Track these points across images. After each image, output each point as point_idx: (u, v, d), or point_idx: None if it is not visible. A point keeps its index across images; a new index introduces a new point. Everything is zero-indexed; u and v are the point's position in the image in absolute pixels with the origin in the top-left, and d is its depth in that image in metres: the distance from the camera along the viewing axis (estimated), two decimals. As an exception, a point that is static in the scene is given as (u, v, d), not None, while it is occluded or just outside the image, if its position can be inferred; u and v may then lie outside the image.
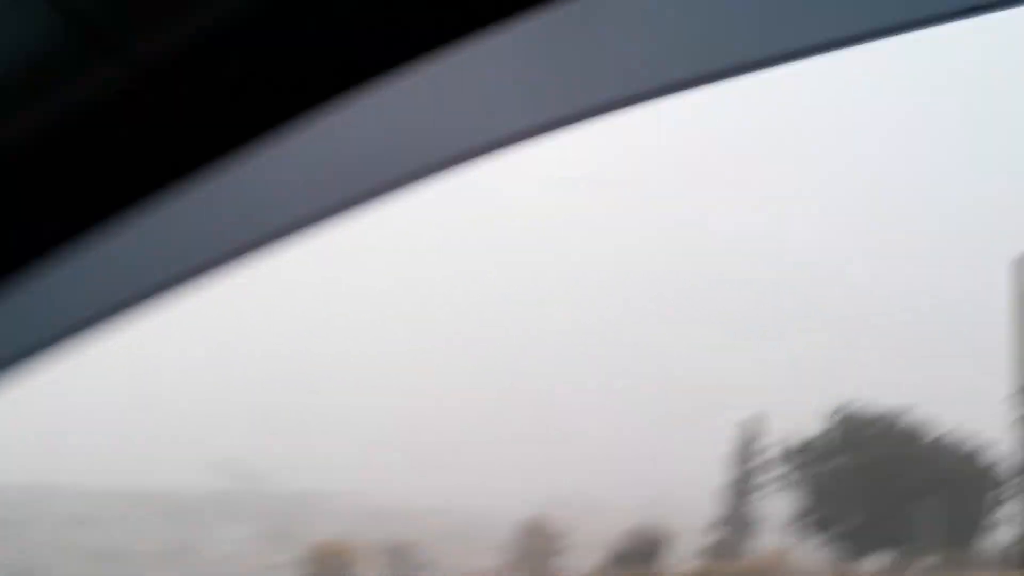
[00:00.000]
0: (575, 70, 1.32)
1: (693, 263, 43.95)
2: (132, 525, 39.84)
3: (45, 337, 1.48)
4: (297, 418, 42.23)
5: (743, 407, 41.82)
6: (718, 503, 42.22)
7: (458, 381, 43.80)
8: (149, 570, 36.47)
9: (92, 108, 1.21)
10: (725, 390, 42.49)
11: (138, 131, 1.25)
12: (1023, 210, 44.47)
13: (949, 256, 44.34)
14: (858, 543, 41.55)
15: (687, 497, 41.09)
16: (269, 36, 1.21)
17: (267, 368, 43.18)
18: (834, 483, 41.68)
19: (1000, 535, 39.05)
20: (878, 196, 44.77)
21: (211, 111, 1.25)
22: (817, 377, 43.21)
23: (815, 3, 1.32)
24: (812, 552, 40.89)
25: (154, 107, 1.23)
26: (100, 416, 40.05)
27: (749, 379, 43.82)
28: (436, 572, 39.36)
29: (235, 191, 1.35)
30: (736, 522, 42.33)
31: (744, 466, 42.69)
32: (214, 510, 41.71)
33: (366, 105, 1.25)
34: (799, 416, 41.48)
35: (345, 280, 43.68)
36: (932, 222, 44.87)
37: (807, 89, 38.16)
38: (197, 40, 1.18)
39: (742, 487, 42.62)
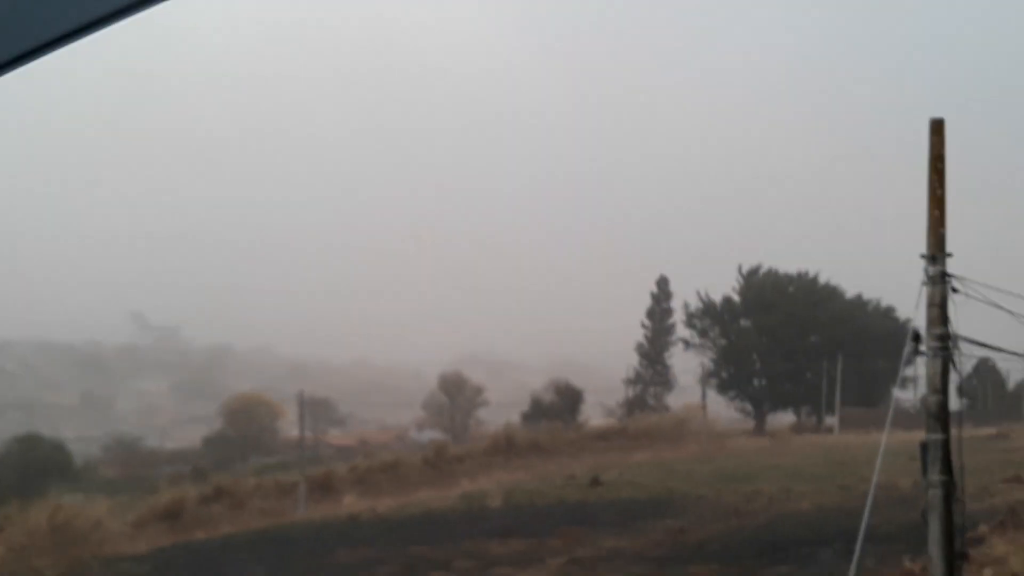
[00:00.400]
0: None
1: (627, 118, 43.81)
2: (45, 377, 39.60)
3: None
4: (215, 272, 41.91)
5: (657, 267, 42.08)
6: (632, 361, 42.70)
7: (377, 235, 43.56)
8: (63, 422, 36.30)
9: None
10: (639, 250, 42.68)
11: None
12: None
13: (865, 119, 44.37)
14: (767, 401, 42.35)
15: (601, 355, 41.50)
16: None
17: (185, 222, 42.68)
18: (744, 343, 42.21)
19: (905, 394, 39.86)
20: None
21: None
22: (728, 240, 43.49)
23: None
24: (723, 409, 41.55)
25: None
26: (12, 264, 39.48)
27: (662, 240, 44.01)
28: (351, 426, 39.63)
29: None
30: (649, 379, 42.88)
31: (657, 324, 43.12)
32: (129, 363, 41.53)
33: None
34: (711, 277, 41.82)
35: (265, 131, 43.04)
36: (854, 84, 44.87)
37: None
38: None
39: (655, 345, 43.10)
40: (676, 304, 42.94)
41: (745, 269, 42.94)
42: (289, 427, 37.33)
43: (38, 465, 31.26)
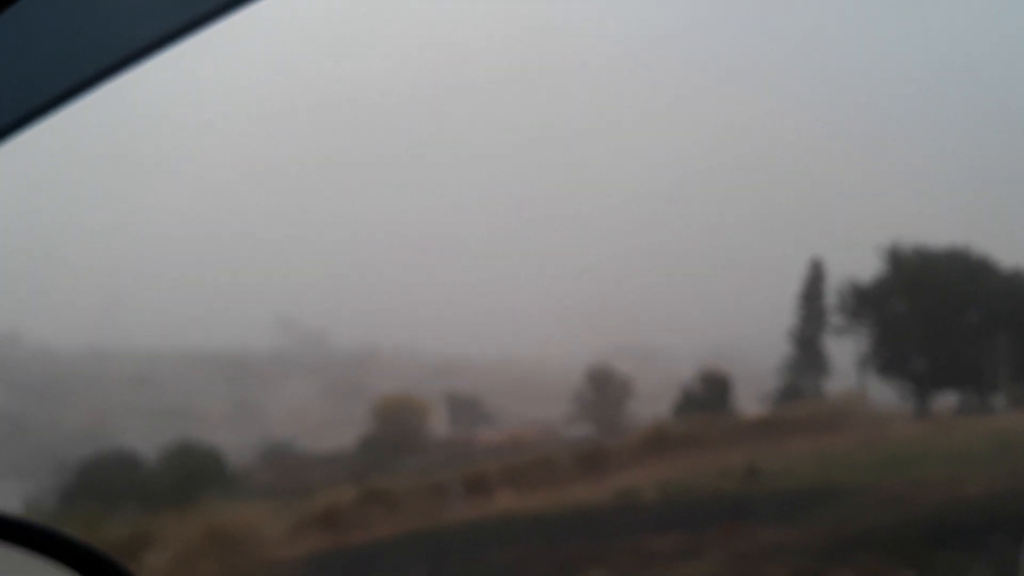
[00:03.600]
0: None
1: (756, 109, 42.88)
2: (192, 386, 40.33)
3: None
4: (358, 274, 42.16)
5: (805, 251, 41.15)
6: (784, 348, 41.85)
7: (519, 229, 43.37)
8: (212, 431, 36.92)
9: None
10: (785, 234, 41.73)
11: None
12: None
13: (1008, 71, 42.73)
14: (927, 384, 41.12)
15: (752, 343, 40.72)
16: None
17: (324, 224, 43.02)
18: (899, 324, 41.13)
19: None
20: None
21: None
22: (874, 219, 42.29)
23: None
24: (880, 395, 40.54)
25: None
26: (157, 276, 40.26)
27: (804, 222, 43.03)
28: (500, 423, 39.53)
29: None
30: (803, 367, 42.00)
31: (809, 310, 42.23)
32: (275, 369, 42.08)
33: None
34: (859, 259, 40.78)
35: (403, 129, 43.16)
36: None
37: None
38: None
39: (807, 331, 42.22)
40: (829, 287, 41.99)
41: (893, 247, 41.84)
42: (438, 426, 37.44)
43: (192, 473, 31.75)
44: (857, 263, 40.99)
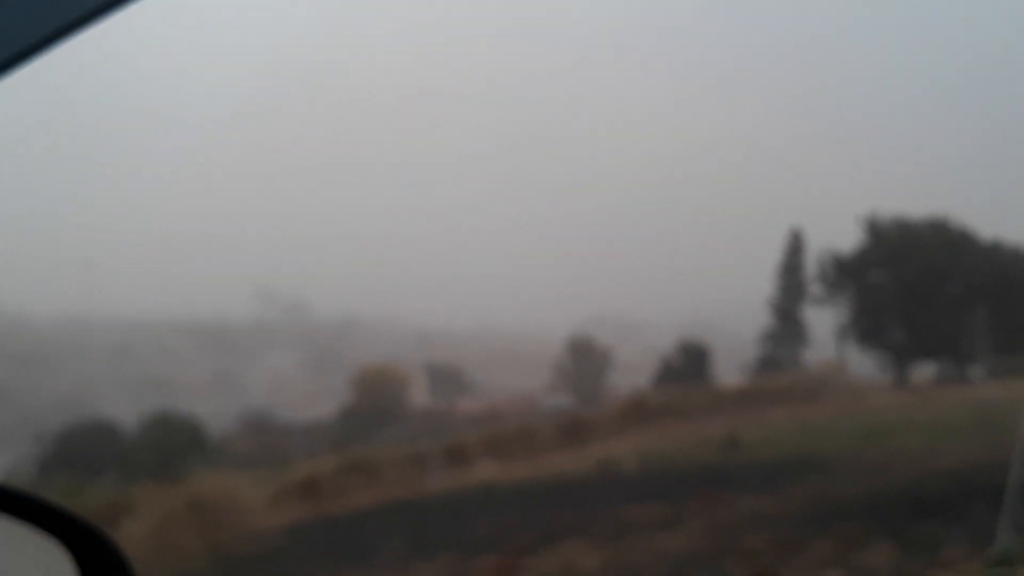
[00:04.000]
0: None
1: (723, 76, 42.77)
2: (173, 356, 40.17)
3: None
4: (338, 244, 42.00)
5: (782, 221, 41.18)
6: (763, 319, 41.92)
7: (499, 200, 43.24)
8: (192, 400, 36.80)
9: None
10: (763, 204, 41.71)
11: None
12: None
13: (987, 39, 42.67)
14: (906, 355, 41.24)
15: (731, 314, 40.77)
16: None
17: (304, 194, 42.81)
18: (878, 295, 41.22)
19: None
20: None
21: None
22: (852, 188, 42.31)
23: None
24: (859, 366, 40.65)
25: None
26: (138, 246, 39.99)
27: (786, 192, 42.97)
28: (480, 393, 39.53)
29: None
30: (782, 338, 42.09)
31: (788, 280, 42.27)
32: (256, 339, 41.94)
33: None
34: (838, 228, 40.84)
35: (392, 99, 42.93)
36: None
37: None
38: None
39: (787, 302, 42.28)
40: (809, 258, 42.00)
41: (872, 217, 41.85)
42: (418, 397, 37.44)
43: (173, 443, 31.69)
44: (837, 234, 41.09)
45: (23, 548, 2.26)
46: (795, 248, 42.19)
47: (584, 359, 40.96)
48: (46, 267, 39.22)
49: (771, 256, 41.45)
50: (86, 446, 31.38)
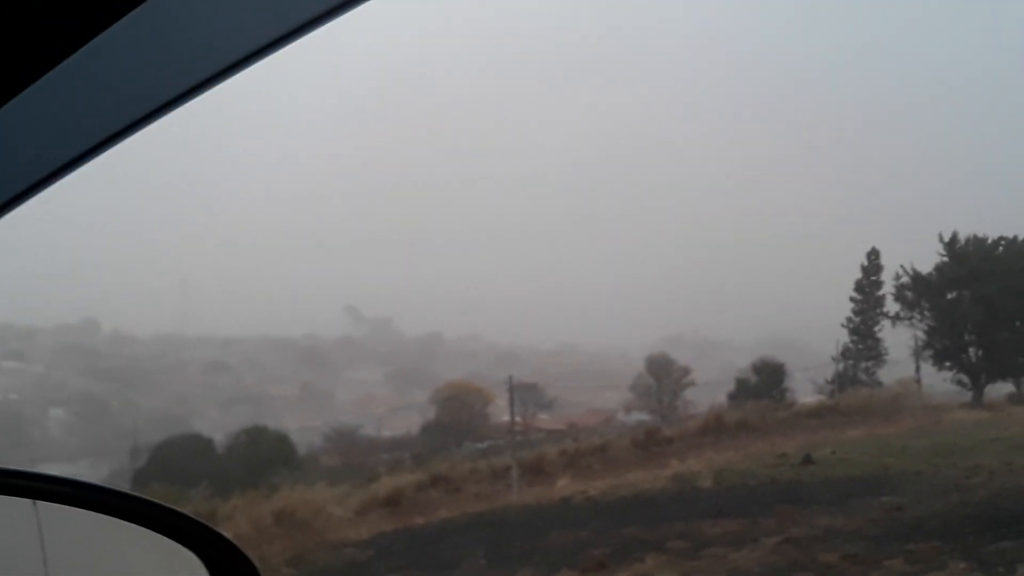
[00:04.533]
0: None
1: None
2: (265, 371, 41.19)
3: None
4: (423, 263, 42.83)
5: (862, 242, 41.19)
6: (840, 337, 41.90)
7: (579, 220, 43.81)
8: (285, 413, 37.70)
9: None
10: (840, 226, 41.82)
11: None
12: None
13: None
14: (984, 372, 40.92)
15: (809, 331, 40.84)
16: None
17: (391, 216, 43.72)
18: (956, 313, 40.94)
19: None
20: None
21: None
22: (931, 211, 42.20)
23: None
24: (936, 384, 40.41)
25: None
26: (230, 263, 41.15)
27: (864, 214, 43.00)
28: (561, 410, 40.00)
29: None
30: (860, 354, 41.96)
31: (867, 298, 42.15)
32: (345, 355, 42.84)
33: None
34: (916, 250, 40.72)
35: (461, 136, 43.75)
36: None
37: None
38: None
39: (865, 320, 42.15)
40: (887, 276, 41.90)
41: (947, 237, 41.65)
42: (499, 413, 37.94)
43: (263, 456, 32.54)
44: (915, 254, 41.01)
45: (162, 558, 2.38)
46: (873, 267, 42.08)
47: (662, 376, 41.24)
48: (143, 286, 40.55)
49: (849, 275, 41.54)
50: (180, 459, 32.25)
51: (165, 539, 2.41)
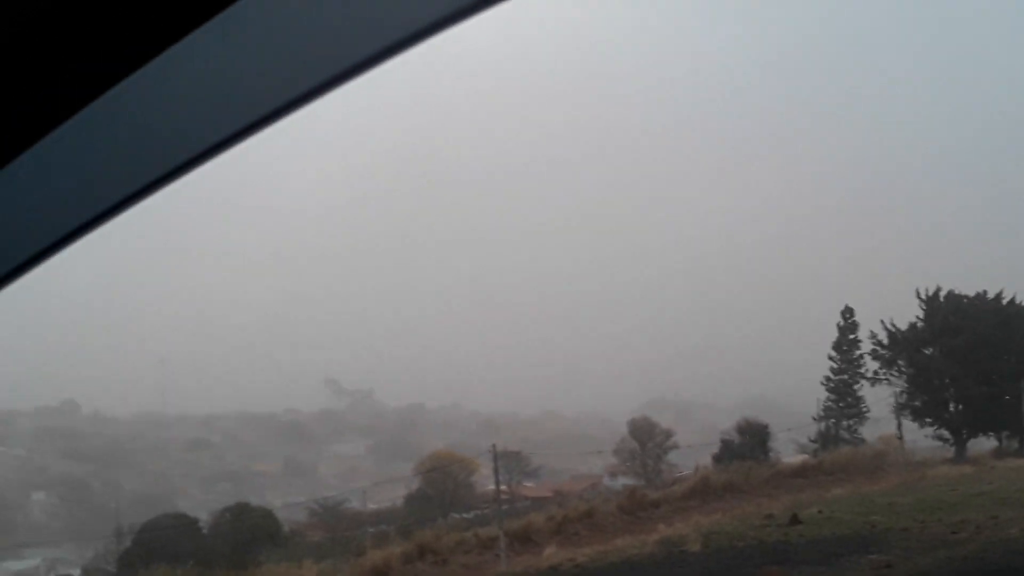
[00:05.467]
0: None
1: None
2: (249, 447, 41.05)
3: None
4: (402, 335, 42.91)
5: (835, 300, 41.52)
6: (822, 395, 42.09)
7: (557, 290, 44.06)
8: (269, 489, 37.58)
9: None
10: (815, 285, 42.20)
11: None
12: None
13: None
14: (965, 427, 41.13)
15: (789, 391, 41.03)
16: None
17: (367, 289, 43.85)
18: (935, 369, 41.19)
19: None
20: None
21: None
22: (904, 267, 42.65)
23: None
24: (918, 440, 40.59)
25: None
26: (208, 341, 41.16)
27: (838, 273, 43.42)
28: (546, 477, 40.00)
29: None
30: (841, 413, 42.12)
31: (845, 356, 42.39)
32: (327, 428, 42.77)
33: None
34: (892, 306, 41.06)
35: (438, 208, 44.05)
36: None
37: None
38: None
39: (844, 378, 42.34)
40: (863, 335, 42.19)
41: (924, 294, 42.00)
42: (484, 481, 37.90)
43: (248, 532, 32.40)
44: (889, 312, 41.35)
45: None
46: (849, 326, 42.31)
47: (646, 440, 41.25)
48: (121, 366, 40.42)
49: (826, 334, 41.80)
50: (164, 539, 32.06)
51: None
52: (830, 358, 42.30)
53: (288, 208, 42.62)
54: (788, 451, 39.65)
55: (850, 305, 42.08)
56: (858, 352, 42.34)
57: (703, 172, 44.49)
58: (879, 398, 41.12)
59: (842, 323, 42.28)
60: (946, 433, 41.32)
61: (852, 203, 43.51)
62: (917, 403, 41.31)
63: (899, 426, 39.56)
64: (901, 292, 41.36)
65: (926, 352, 41.70)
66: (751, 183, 43.77)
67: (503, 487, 35.63)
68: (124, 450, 38.79)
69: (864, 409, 42.13)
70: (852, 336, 42.30)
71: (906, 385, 41.54)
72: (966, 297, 41.68)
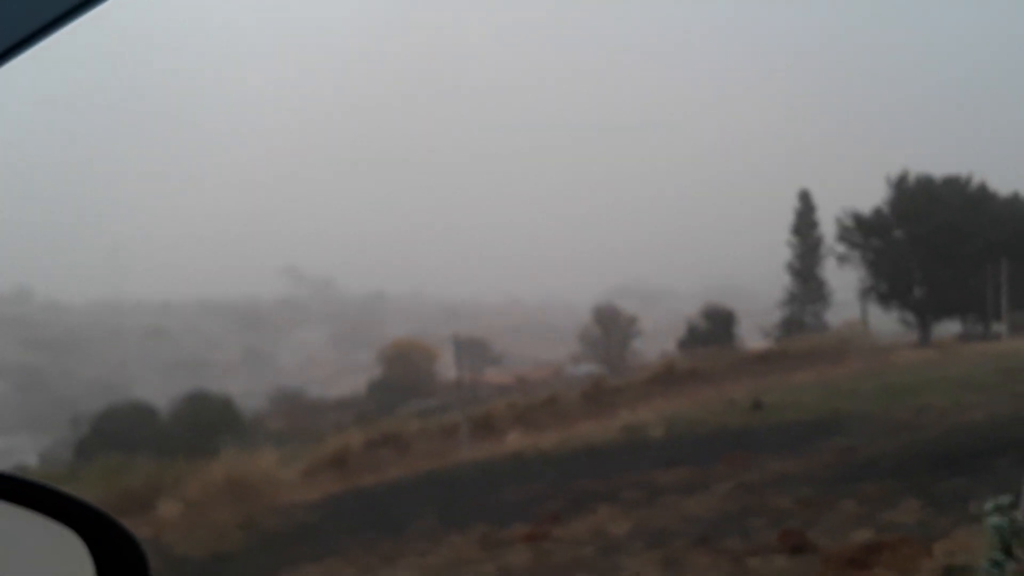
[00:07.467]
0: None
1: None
2: (206, 336, 40.54)
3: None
4: (363, 221, 42.27)
5: (800, 182, 41.19)
6: (785, 281, 41.95)
7: (521, 173, 43.42)
8: (228, 378, 37.18)
9: None
10: (780, 166, 41.76)
11: None
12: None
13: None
14: (930, 311, 41.16)
15: (753, 277, 40.82)
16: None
17: (330, 174, 43.11)
18: (901, 253, 41.08)
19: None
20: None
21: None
22: (873, 147, 42.22)
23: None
24: (883, 324, 40.61)
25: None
26: (165, 228, 40.40)
27: (804, 154, 42.95)
28: (508, 364, 39.76)
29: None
30: (804, 298, 42.08)
31: (804, 241, 42.22)
32: (287, 317, 42.27)
33: None
34: (857, 189, 40.77)
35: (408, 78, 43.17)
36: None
37: None
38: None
39: (806, 262, 42.23)
40: (821, 217, 41.96)
41: (894, 177, 41.66)
42: (446, 369, 37.68)
43: (207, 422, 32.03)
44: (859, 194, 41.03)
45: (41, 538, 2.24)
46: (806, 208, 41.99)
47: (610, 327, 41.13)
48: (75, 254, 39.58)
49: (785, 218, 41.55)
50: (122, 427, 31.70)
51: (43, 519, 2.23)
52: (789, 243, 42.09)
53: (252, 92, 41.65)
54: (754, 337, 39.60)
55: (811, 188, 41.76)
56: (817, 235, 42.16)
57: (665, 55, 43.61)
58: (845, 283, 41.09)
59: (800, 206, 41.98)
60: (911, 317, 41.33)
61: (815, 82, 42.84)
62: (882, 287, 41.28)
63: (864, 310, 39.60)
64: (869, 177, 40.96)
65: (891, 236, 41.57)
66: (711, 67, 42.91)
67: (465, 375, 35.49)
68: (80, 338, 38.22)
69: (828, 294, 42.12)
70: (811, 219, 42.04)
71: (870, 269, 41.48)
72: (934, 180, 41.42)
